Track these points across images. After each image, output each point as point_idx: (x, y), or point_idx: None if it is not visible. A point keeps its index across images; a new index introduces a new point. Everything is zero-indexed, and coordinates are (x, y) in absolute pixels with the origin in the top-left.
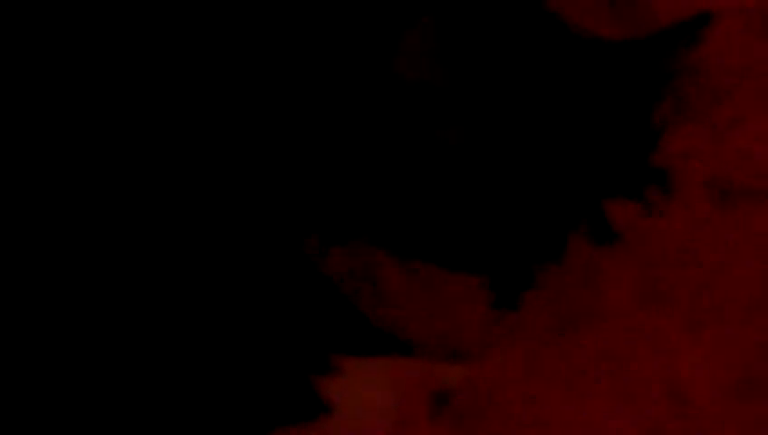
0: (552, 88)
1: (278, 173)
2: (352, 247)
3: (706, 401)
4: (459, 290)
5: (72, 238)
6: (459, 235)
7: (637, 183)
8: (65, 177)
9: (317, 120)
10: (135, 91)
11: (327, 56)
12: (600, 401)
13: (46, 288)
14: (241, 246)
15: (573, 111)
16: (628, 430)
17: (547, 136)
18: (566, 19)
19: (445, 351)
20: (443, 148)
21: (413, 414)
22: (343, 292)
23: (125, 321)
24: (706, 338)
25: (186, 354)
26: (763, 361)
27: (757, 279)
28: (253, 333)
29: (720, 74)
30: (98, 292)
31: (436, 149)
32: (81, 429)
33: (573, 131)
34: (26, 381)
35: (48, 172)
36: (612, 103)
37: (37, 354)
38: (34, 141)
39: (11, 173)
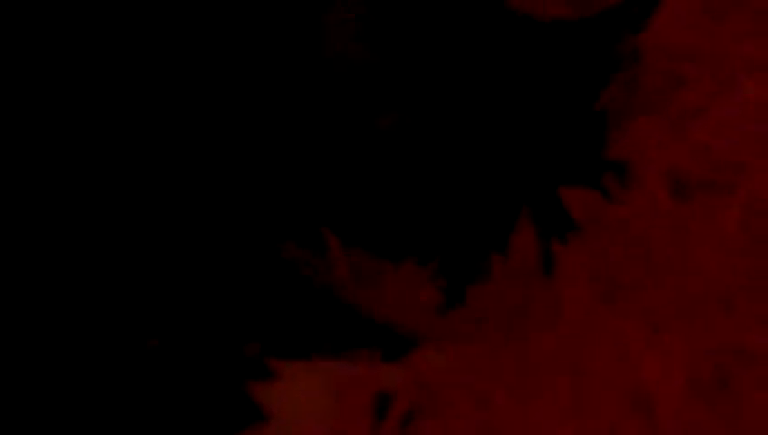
0: (492, 67)
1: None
2: (302, 236)
3: (671, 405)
4: (404, 283)
5: (62, 235)
6: (402, 224)
7: (593, 172)
8: (59, 175)
9: (254, 113)
10: (124, 95)
11: (252, 47)
12: (554, 404)
13: (34, 282)
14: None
15: (516, 93)
16: None
17: (488, 119)
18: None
19: (388, 349)
20: (378, 133)
21: (354, 419)
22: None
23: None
24: (670, 337)
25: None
26: (733, 361)
27: (719, 273)
28: (188, 337)
29: (673, 59)
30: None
31: (372, 134)
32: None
33: (517, 114)
34: (24, 381)
35: (46, 172)
36: (556, 86)
37: (33, 354)
38: (34, 141)
39: (10, 173)
